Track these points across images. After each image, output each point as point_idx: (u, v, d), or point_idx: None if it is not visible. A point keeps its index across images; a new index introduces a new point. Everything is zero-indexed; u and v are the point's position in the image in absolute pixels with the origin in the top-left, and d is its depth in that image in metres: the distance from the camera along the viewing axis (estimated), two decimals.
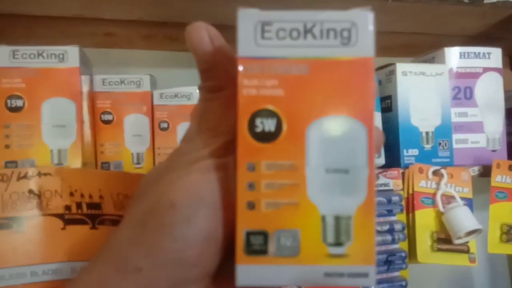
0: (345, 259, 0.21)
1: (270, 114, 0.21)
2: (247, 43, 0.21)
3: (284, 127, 0.21)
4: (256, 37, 0.21)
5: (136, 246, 0.21)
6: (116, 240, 0.22)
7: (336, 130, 0.21)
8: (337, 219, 0.21)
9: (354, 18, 0.21)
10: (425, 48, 0.71)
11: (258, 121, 0.21)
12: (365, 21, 0.21)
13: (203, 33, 0.23)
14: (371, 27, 0.21)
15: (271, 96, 0.21)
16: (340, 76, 0.21)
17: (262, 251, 0.21)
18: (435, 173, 0.61)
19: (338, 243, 0.21)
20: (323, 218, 0.21)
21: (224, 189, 0.22)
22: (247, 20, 0.21)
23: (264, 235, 0.21)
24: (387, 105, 0.63)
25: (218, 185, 0.21)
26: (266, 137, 0.21)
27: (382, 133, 0.24)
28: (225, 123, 0.23)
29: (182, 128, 0.60)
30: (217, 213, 0.21)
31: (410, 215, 0.61)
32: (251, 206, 0.21)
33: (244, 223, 0.21)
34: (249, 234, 0.21)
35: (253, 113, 0.21)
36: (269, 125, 0.21)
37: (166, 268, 0.21)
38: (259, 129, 0.21)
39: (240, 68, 0.21)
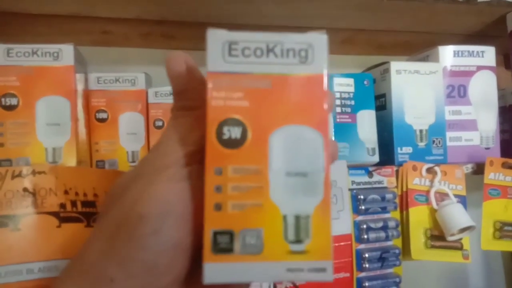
0: (305, 255, 0.23)
1: (237, 122, 0.23)
2: (216, 59, 0.23)
3: (249, 135, 0.23)
4: (224, 54, 0.24)
5: (108, 258, 0.22)
6: (88, 253, 0.23)
7: (295, 138, 0.23)
8: (297, 218, 0.23)
9: (310, 40, 0.24)
10: (420, 46, 0.71)
11: (225, 129, 0.23)
12: (320, 43, 0.24)
13: (180, 60, 0.25)
14: (324, 48, 0.24)
15: (237, 106, 0.23)
16: (298, 90, 0.24)
17: (228, 249, 0.22)
18: (428, 170, 0.61)
19: (298, 241, 0.23)
20: (285, 218, 0.23)
21: (190, 197, 0.23)
22: (216, 39, 0.24)
23: (230, 234, 0.22)
24: (382, 103, 0.64)
25: (184, 194, 0.23)
26: (232, 144, 0.23)
27: (337, 144, 0.26)
28: (192, 135, 0.24)
29: None
30: (185, 221, 0.22)
31: (404, 212, 0.61)
32: (218, 207, 0.22)
33: (212, 224, 0.22)
34: (216, 234, 0.22)
35: (221, 122, 0.23)
36: (235, 132, 0.23)
37: (138, 278, 0.22)
38: (226, 136, 0.23)
39: (210, 81, 0.23)
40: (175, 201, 0.22)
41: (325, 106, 0.23)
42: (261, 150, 0.23)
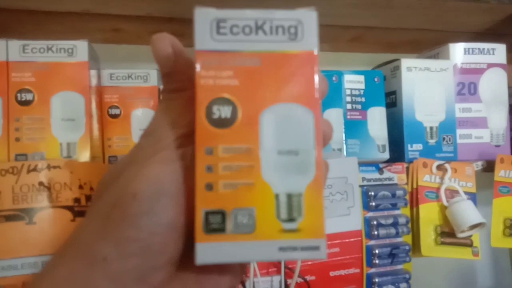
0: (297, 233, 0.22)
1: (226, 102, 0.23)
2: (204, 38, 0.23)
3: (239, 114, 0.23)
4: (212, 32, 0.23)
5: (102, 238, 0.22)
6: (81, 234, 0.23)
7: (286, 116, 0.23)
8: (289, 196, 0.23)
9: (300, 17, 0.24)
10: (429, 44, 0.71)
11: (215, 109, 0.23)
12: (309, 19, 0.24)
13: (166, 42, 0.25)
14: (314, 25, 0.23)
15: (227, 85, 0.23)
16: (288, 68, 0.23)
17: (220, 229, 0.22)
18: (439, 167, 0.61)
19: (290, 219, 0.23)
20: (277, 196, 0.23)
21: (184, 178, 0.23)
22: (204, 17, 0.23)
23: (222, 214, 0.22)
24: (392, 100, 0.64)
25: (178, 175, 0.23)
26: (222, 123, 0.23)
27: (331, 124, 0.25)
28: (183, 118, 0.24)
29: None
30: (178, 201, 0.22)
31: (414, 209, 0.61)
32: (210, 187, 0.22)
33: (203, 204, 0.22)
34: (207, 214, 0.22)
35: (211, 101, 0.23)
36: (225, 112, 0.23)
37: (132, 258, 0.22)
38: (216, 116, 0.23)
39: (198, 60, 0.23)
40: (168, 181, 0.22)
41: (316, 83, 0.23)
42: (251, 129, 0.23)
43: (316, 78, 0.23)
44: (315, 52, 0.23)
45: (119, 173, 0.24)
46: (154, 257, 0.22)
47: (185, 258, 0.24)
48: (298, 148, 0.23)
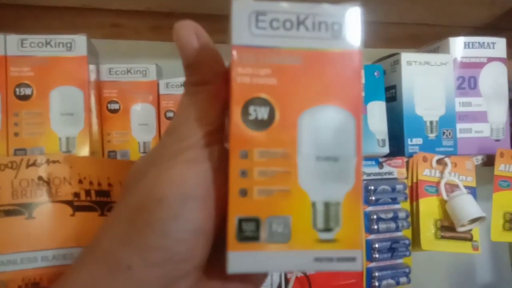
0: (334, 244, 0.22)
1: (263, 102, 0.21)
2: (242, 32, 0.21)
3: (277, 115, 0.21)
4: (251, 26, 0.21)
5: (126, 244, 0.21)
6: (105, 238, 0.22)
7: (326, 120, 0.22)
8: (327, 205, 0.22)
9: (344, 13, 0.22)
10: (429, 39, 0.71)
11: (251, 109, 0.21)
12: (353, 16, 0.22)
13: (190, 31, 0.23)
14: (359, 22, 0.22)
15: (264, 84, 0.21)
16: (330, 68, 0.22)
17: (254, 238, 0.21)
18: (439, 162, 0.61)
19: (327, 229, 0.22)
20: (314, 205, 0.22)
21: (210, 180, 0.22)
22: (242, 9, 0.22)
23: (256, 221, 0.21)
24: (392, 94, 0.64)
25: (205, 176, 0.22)
26: (259, 125, 0.21)
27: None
28: (208, 114, 0.23)
29: None
30: (205, 205, 0.21)
31: (414, 203, 0.61)
32: (244, 193, 0.21)
33: (237, 210, 0.21)
34: (241, 221, 0.21)
35: (247, 101, 0.21)
36: (262, 113, 0.21)
37: (157, 266, 0.21)
38: (252, 117, 0.21)
39: (234, 56, 0.21)
40: (195, 183, 0.21)
41: (359, 85, 0.22)
42: (289, 132, 0.21)
43: (360, 79, 0.22)
44: (359, 51, 0.22)
45: (142, 174, 0.23)
46: (180, 264, 0.21)
47: (211, 263, 0.23)
48: (338, 155, 0.22)
